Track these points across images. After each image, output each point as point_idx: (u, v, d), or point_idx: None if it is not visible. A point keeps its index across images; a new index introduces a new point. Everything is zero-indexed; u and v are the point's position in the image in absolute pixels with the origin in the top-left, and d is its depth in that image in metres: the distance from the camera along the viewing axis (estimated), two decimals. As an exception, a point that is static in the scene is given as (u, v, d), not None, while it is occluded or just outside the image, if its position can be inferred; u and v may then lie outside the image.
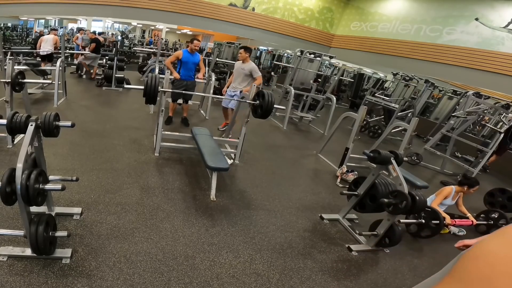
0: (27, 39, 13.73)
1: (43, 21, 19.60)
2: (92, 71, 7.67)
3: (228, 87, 4.81)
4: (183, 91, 4.42)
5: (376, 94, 7.84)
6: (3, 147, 3.22)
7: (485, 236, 0.47)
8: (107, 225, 2.27)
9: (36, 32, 10.56)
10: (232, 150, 3.97)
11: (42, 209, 2.19)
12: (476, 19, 8.63)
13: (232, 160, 3.89)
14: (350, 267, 2.38)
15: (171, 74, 4.37)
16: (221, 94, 5.02)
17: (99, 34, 8.95)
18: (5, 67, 3.35)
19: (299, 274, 2.17)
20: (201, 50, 14.10)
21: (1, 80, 3.00)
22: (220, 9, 11.77)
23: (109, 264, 1.92)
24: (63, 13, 12.05)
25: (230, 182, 3.39)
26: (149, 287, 1.81)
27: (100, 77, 7.17)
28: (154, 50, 9.65)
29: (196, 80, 4.91)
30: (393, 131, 5.36)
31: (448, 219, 3.01)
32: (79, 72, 7.91)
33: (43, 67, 6.50)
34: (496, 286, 0.38)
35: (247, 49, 4.59)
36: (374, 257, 2.58)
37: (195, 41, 4.61)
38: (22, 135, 2.14)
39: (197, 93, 5.09)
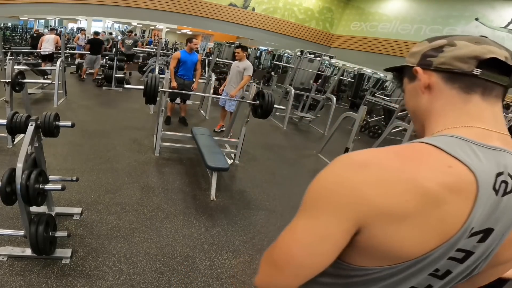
0: (26, 39, 13.72)
1: (43, 21, 19.59)
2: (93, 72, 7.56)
3: (224, 87, 4.87)
4: (182, 91, 4.43)
5: (376, 94, 7.84)
6: (3, 147, 3.23)
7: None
8: (107, 225, 2.27)
9: (35, 34, 10.43)
10: (232, 150, 3.97)
11: (42, 209, 2.19)
12: (476, 19, 8.64)
13: (232, 160, 3.88)
14: (350, 267, 2.37)
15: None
16: (220, 94, 5.04)
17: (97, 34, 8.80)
18: (5, 67, 3.36)
19: (299, 274, 2.16)
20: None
21: (1, 80, 3.00)
22: (220, 9, 11.78)
23: (109, 264, 1.92)
24: (63, 13, 12.07)
25: (230, 182, 3.39)
26: (149, 287, 1.81)
27: (100, 77, 7.16)
28: (154, 50, 9.64)
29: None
30: (393, 131, 5.35)
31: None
32: (79, 72, 7.90)
33: (43, 67, 6.50)
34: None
35: (244, 48, 4.62)
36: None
37: (194, 40, 4.63)
38: (22, 135, 2.13)
39: (196, 93, 5.10)
